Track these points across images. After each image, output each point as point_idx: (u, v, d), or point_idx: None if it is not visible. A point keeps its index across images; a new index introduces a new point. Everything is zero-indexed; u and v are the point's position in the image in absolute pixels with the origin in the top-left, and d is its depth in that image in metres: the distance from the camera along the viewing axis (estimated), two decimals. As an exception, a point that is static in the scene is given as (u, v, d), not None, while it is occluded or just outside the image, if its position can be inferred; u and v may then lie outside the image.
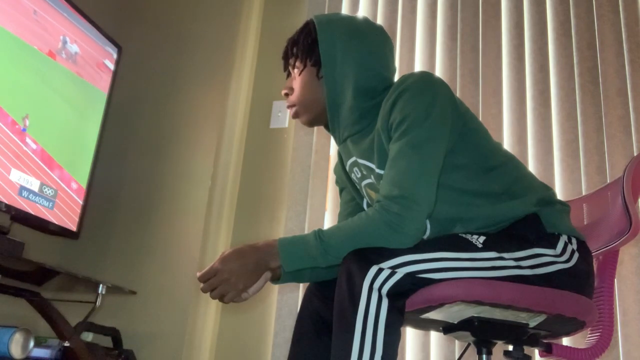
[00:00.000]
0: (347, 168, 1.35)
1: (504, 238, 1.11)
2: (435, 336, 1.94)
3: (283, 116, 2.40)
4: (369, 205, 1.38)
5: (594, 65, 2.04)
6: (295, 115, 1.34)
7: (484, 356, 1.11)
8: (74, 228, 2.01)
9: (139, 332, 2.07)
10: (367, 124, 1.25)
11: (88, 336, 1.98)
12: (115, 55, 2.24)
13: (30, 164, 1.82)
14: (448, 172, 1.16)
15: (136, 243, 2.22)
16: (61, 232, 1.97)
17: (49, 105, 1.91)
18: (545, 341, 1.19)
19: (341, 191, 1.50)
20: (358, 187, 1.37)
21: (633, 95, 1.96)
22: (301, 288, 2.10)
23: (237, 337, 2.15)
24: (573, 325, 1.13)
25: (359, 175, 1.32)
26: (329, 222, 2.19)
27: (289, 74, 1.37)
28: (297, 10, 2.54)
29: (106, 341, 2.00)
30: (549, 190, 1.23)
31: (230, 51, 2.41)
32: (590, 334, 1.24)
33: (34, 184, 1.83)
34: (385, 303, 1.01)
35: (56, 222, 1.92)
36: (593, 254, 1.20)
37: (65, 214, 1.97)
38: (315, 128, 2.28)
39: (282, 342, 2.04)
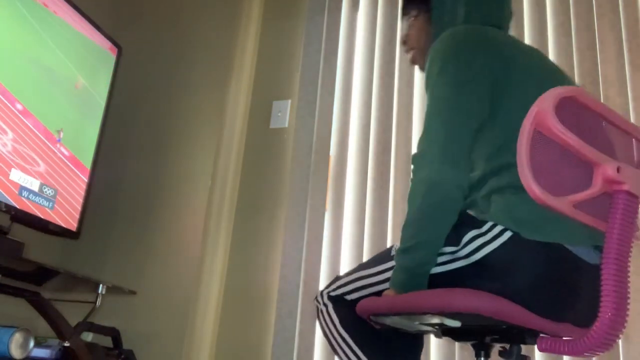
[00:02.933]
0: None
1: None
2: (434, 337, 1.94)
3: (283, 116, 2.40)
4: None
5: (594, 65, 2.04)
6: (413, 61, 1.43)
7: (482, 359, 1.11)
8: (74, 228, 2.01)
9: (139, 332, 2.07)
10: None
11: (88, 336, 1.98)
12: (115, 55, 2.24)
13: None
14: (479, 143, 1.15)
15: (136, 243, 2.22)
16: (61, 232, 1.97)
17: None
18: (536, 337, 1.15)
19: None
20: None
21: (633, 96, 1.96)
22: (301, 288, 2.10)
23: (237, 337, 2.15)
24: (494, 322, 1.03)
25: None
26: (329, 222, 2.19)
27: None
28: (297, 10, 2.54)
29: (106, 341, 2.00)
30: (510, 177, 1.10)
31: (230, 51, 2.40)
32: None
33: (34, 184, 1.83)
34: (326, 299, 1.31)
35: (56, 222, 1.92)
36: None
37: (66, 213, 1.97)
38: (315, 127, 2.29)
39: (282, 342, 2.04)
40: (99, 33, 2.14)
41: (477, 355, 1.12)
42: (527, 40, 2.18)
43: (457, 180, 1.07)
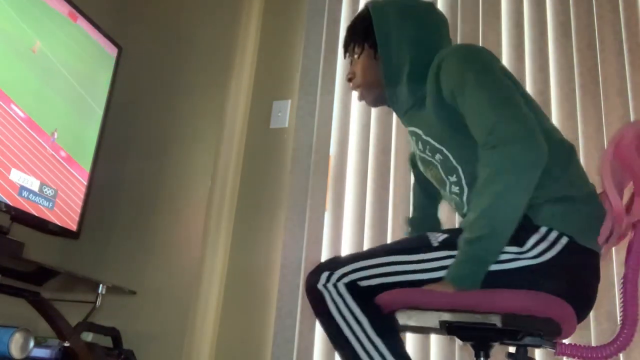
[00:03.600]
0: (409, 136, 1.39)
1: None
2: (435, 336, 1.94)
3: (283, 116, 2.40)
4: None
5: (594, 65, 2.04)
6: (361, 97, 1.42)
7: (482, 359, 1.11)
8: (74, 228, 2.01)
9: (139, 332, 2.07)
10: (423, 95, 1.28)
11: (88, 336, 1.98)
12: (115, 55, 2.24)
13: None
14: None
15: (136, 243, 2.22)
16: (61, 232, 1.97)
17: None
18: (551, 341, 1.17)
19: (413, 167, 1.57)
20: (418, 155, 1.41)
21: (633, 95, 1.96)
22: (301, 288, 2.10)
23: (237, 337, 2.15)
24: (543, 324, 1.07)
25: (416, 145, 1.35)
26: (329, 222, 2.19)
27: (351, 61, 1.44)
28: (297, 10, 2.54)
29: (106, 341, 2.00)
30: (572, 186, 1.18)
31: (230, 51, 2.40)
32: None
33: (34, 184, 1.83)
34: (343, 288, 1.12)
35: (56, 222, 1.92)
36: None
37: (65, 214, 1.97)
38: (315, 127, 2.29)
39: (282, 342, 2.04)
40: (99, 33, 2.15)
41: (477, 355, 1.12)
42: (527, 40, 2.18)
43: (545, 155, 1.08)
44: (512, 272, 1.09)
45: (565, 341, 1.20)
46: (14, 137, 1.75)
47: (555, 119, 2.06)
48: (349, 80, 1.42)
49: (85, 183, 2.08)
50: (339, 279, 1.12)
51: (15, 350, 1.56)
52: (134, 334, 2.06)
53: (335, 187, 2.23)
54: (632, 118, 1.95)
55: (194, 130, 2.33)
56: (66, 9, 1.99)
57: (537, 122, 1.12)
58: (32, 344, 1.62)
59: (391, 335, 1.09)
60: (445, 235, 1.16)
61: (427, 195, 1.55)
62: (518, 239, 1.09)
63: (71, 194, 2.00)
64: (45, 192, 1.88)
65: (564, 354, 1.13)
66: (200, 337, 2.11)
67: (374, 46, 1.34)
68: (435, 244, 1.15)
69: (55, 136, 1.93)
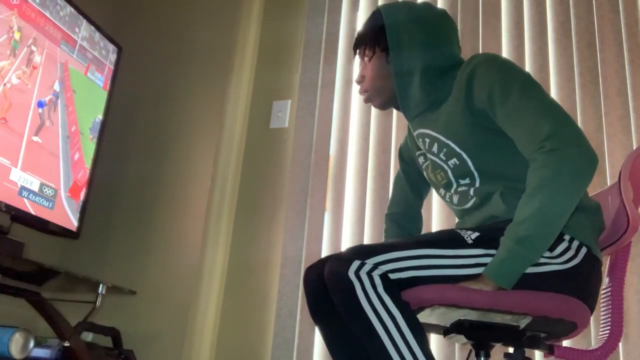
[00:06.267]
0: (415, 137, 1.39)
1: (499, 235, 1.11)
2: (435, 337, 1.94)
3: (283, 116, 2.40)
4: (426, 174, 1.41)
5: (594, 65, 2.04)
6: (368, 100, 1.42)
7: (482, 359, 1.11)
8: (74, 228, 2.01)
9: (139, 332, 2.07)
10: (437, 99, 1.31)
11: (88, 336, 1.98)
12: (115, 55, 2.24)
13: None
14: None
15: (136, 243, 2.22)
16: (61, 232, 1.97)
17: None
18: (547, 343, 1.19)
19: (402, 161, 1.57)
20: (423, 156, 1.40)
21: (633, 95, 1.96)
22: (301, 288, 2.10)
23: (237, 337, 2.15)
24: (564, 327, 1.12)
25: (425, 146, 1.35)
26: (328, 222, 2.19)
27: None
28: (297, 10, 2.54)
29: (106, 341, 2.00)
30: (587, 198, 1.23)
31: (230, 51, 2.41)
32: (600, 335, 1.23)
33: (34, 184, 1.83)
34: (377, 280, 1.05)
35: (56, 222, 1.92)
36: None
37: (65, 213, 1.97)
38: (315, 127, 2.29)
39: (282, 342, 2.04)
40: (99, 33, 2.14)
41: (477, 355, 1.12)
42: (527, 40, 2.18)
43: (597, 162, 1.11)
44: (544, 276, 1.10)
45: (565, 343, 1.23)
46: (14, 137, 1.75)
47: (555, 119, 2.05)
48: (359, 82, 1.43)
49: (86, 181, 2.08)
50: (372, 269, 1.05)
51: (15, 350, 1.56)
52: (134, 334, 2.06)
53: (335, 187, 2.23)
54: (632, 118, 1.95)
55: (194, 131, 2.33)
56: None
57: None
58: (32, 344, 1.62)
59: (422, 333, 1.04)
60: (477, 233, 1.14)
61: (415, 192, 1.55)
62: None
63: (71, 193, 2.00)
64: (45, 192, 1.88)
65: (562, 357, 1.15)
66: (200, 337, 2.11)
67: (386, 50, 1.35)
68: (469, 241, 1.12)
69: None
